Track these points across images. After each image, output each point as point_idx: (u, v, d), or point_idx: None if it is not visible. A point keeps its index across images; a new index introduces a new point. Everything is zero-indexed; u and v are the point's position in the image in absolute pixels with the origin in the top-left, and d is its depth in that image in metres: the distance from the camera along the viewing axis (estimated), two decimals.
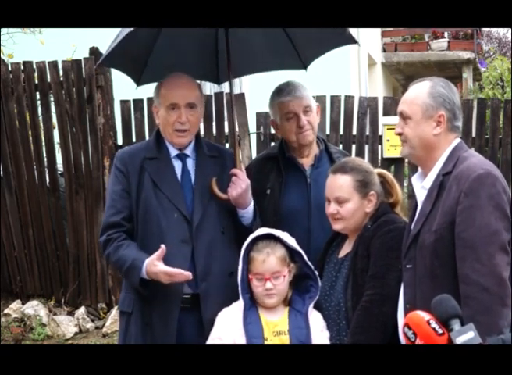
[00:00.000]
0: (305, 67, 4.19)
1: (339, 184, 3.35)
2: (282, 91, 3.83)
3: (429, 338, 2.20)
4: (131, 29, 3.29)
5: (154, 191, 3.47)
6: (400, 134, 3.10)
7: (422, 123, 3.02)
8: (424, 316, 2.25)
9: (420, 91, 3.05)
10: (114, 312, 6.68)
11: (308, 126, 3.78)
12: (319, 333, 3.26)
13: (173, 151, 3.57)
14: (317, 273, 3.35)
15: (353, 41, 3.86)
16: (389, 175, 3.54)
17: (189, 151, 3.59)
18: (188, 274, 3.25)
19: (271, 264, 3.26)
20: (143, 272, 3.31)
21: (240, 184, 3.51)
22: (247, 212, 3.57)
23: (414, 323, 2.25)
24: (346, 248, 3.40)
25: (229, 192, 3.51)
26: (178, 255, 3.40)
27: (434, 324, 2.21)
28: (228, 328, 3.25)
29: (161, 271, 3.26)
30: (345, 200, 3.33)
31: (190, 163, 3.58)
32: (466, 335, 2.15)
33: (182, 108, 3.48)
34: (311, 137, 3.81)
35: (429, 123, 3.02)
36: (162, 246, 3.27)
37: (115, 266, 3.58)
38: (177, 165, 3.57)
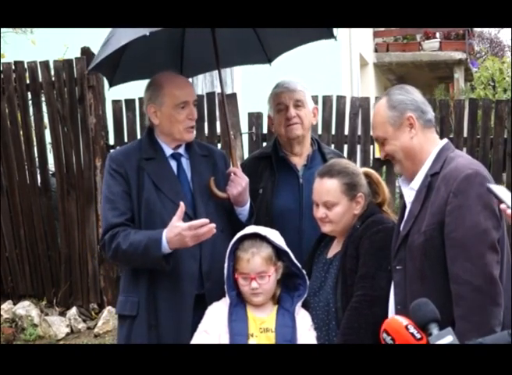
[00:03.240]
0: (269, 62, 4.25)
1: (327, 189, 3.34)
2: (278, 85, 3.90)
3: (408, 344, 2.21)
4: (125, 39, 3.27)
5: (156, 192, 3.45)
6: (385, 157, 3.12)
7: (398, 135, 3.05)
8: (402, 321, 2.26)
9: (380, 110, 3.09)
10: (106, 313, 6.67)
11: (297, 120, 3.80)
12: (306, 332, 3.27)
13: (168, 151, 3.57)
14: (304, 272, 3.36)
15: (331, 35, 3.89)
16: (375, 174, 3.54)
17: (182, 150, 3.60)
18: (212, 226, 3.24)
19: (256, 264, 3.27)
20: (163, 243, 3.27)
21: (240, 182, 3.53)
22: (245, 209, 3.60)
23: (393, 329, 2.25)
24: (335, 248, 3.41)
25: (229, 191, 3.53)
26: (187, 256, 3.40)
27: (412, 329, 2.22)
28: (215, 323, 3.26)
29: (184, 228, 3.22)
30: (333, 204, 3.33)
31: (185, 162, 3.59)
32: (444, 339, 2.16)
33: (191, 105, 3.52)
34: (299, 132, 3.82)
35: (403, 131, 3.04)
36: (181, 203, 3.25)
37: (126, 254, 3.37)
38: (173, 164, 3.57)
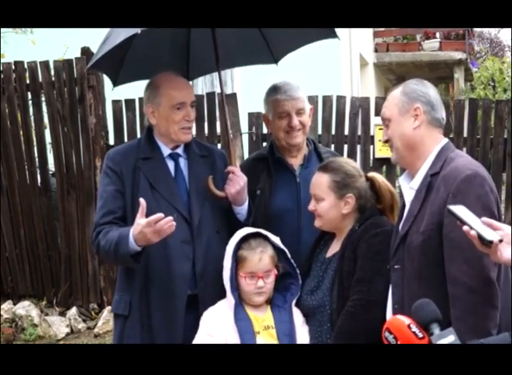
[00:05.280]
0: (276, 62, 4.24)
1: (318, 182, 3.41)
2: (278, 90, 3.84)
3: (410, 342, 2.22)
4: (126, 35, 3.25)
5: (152, 192, 3.45)
6: (386, 141, 3.13)
7: (401, 121, 3.06)
8: (404, 320, 2.27)
9: (394, 93, 3.13)
10: (106, 313, 6.68)
11: (299, 127, 3.80)
12: (300, 327, 3.33)
13: (166, 151, 3.57)
14: (298, 272, 3.39)
15: (335, 34, 3.89)
16: (379, 180, 3.51)
17: (180, 150, 3.60)
18: (169, 218, 3.16)
19: (265, 263, 3.31)
20: (131, 241, 3.24)
21: (238, 181, 3.53)
22: (243, 208, 3.60)
23: (395, 328, 2.26)
24: (334, 248, 3.42)
25: (227, 189, 3.53)
26: (180, 256, 3.40)
27: (414, 328, 2.23)
28: (218, 325, 3.27)
29: (144, 225, 3.16)
30: (320, 198, 3.38)
31: (183, 163, 3.59)
32: (446, 339, 2.18)
33: (188, 107, 3.52)
34: (300, 139, 3.82)
35: (407, 119, 3.05)
36: (141, 200, 3.21)
37: (104, 252, 3.39)
38: (170, 165, 3.57)
